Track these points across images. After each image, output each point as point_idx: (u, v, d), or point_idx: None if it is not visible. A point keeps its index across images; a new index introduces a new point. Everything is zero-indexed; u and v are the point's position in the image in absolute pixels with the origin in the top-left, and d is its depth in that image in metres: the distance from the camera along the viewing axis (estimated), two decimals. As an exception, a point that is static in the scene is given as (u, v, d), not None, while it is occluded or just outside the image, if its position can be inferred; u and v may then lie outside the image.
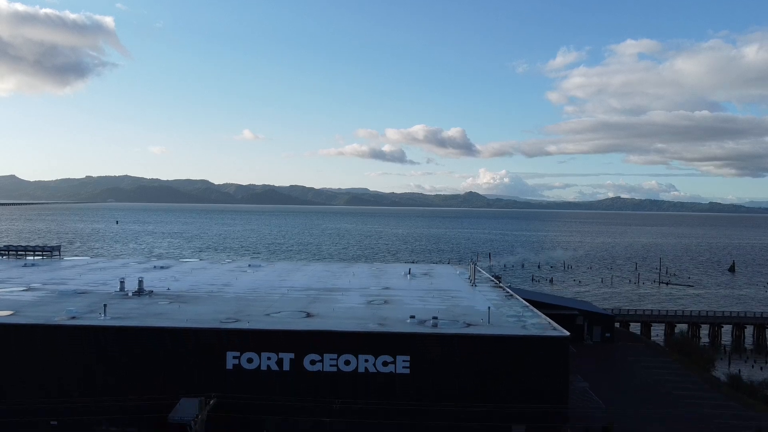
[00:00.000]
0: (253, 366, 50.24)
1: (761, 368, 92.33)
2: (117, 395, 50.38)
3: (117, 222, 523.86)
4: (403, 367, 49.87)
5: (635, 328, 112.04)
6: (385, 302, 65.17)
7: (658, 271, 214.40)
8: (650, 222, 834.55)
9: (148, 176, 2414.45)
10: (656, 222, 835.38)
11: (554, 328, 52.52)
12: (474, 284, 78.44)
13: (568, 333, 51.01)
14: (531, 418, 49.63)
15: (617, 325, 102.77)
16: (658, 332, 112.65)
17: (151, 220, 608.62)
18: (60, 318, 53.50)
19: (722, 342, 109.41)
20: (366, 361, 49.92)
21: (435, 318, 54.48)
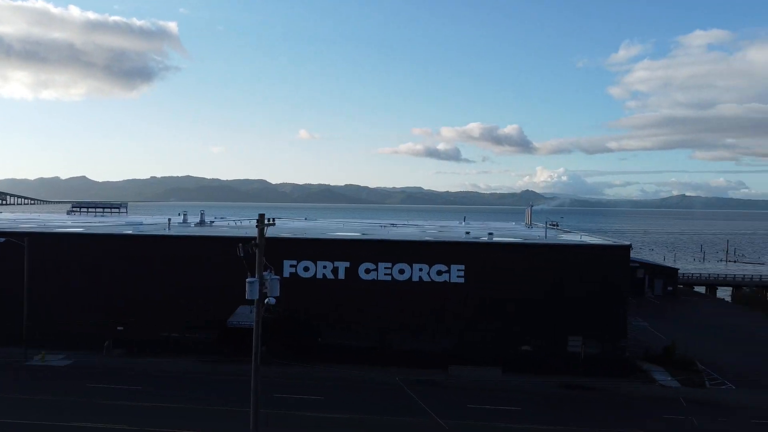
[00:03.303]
0: (309, 274, 51.25)
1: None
2: (179, 303, 52.41)
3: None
4: (458, 276, 49.76)
5: (700, 290, 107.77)
6: (440, 231, 65.25)
7: (725, 251, 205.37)
8: (720, 217, 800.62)
9: (208, 176, 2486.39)
10: (727, 217, 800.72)
11: (614, 241, 51.31)
12: (530, 226, 77.50)
13: (629, 243, 49.71)
14: (588, 330, 48.65)
15: (680, 287, 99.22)
16: (724, 296, 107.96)
17: (214, 214, 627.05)
18: (127, 231, 56.14)
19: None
20: (420, 270, 50.08)
21: (490, 234, 54.21)
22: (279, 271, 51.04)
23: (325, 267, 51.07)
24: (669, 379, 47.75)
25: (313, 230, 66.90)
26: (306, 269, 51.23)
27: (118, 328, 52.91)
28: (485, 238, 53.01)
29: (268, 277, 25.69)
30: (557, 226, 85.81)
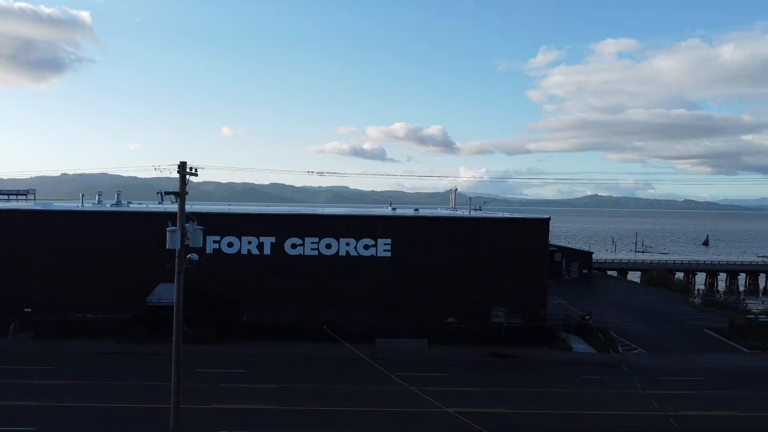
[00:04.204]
0: (233, 250, 50.00)
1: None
2: (94, 282, 49.79)
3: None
4: (385, 250, 49.96)
5: (612, 274, 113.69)
6: (367, 212, 65.37)
7: (635, 243, 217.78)
8: (628, 215, 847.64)
9: (126, 174, 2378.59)
10: (634, 215, 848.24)
11: (534, 216, 53.10)
12: (455, 209, 78.85)
13: (548, 217, 51.57)
14: (511, 301, 50.07)
15: (595, 270, 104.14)
16: (634, 279, 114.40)
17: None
18: (37, 207, 52.80)
19: (696, 287, 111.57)
20: (347, 244, 49.92)
21: (416, 209, 54.82)
22: (201, 247, 49.45)
23: (250, 242, 49.97)
24: (585, 346, 50.00)
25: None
26: (230, 245, 49.94)
27: (25, 309, 49.67)
28: (411, 212, 53.61)
29: (191, 228, 24.73)
30: (480, 210, 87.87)
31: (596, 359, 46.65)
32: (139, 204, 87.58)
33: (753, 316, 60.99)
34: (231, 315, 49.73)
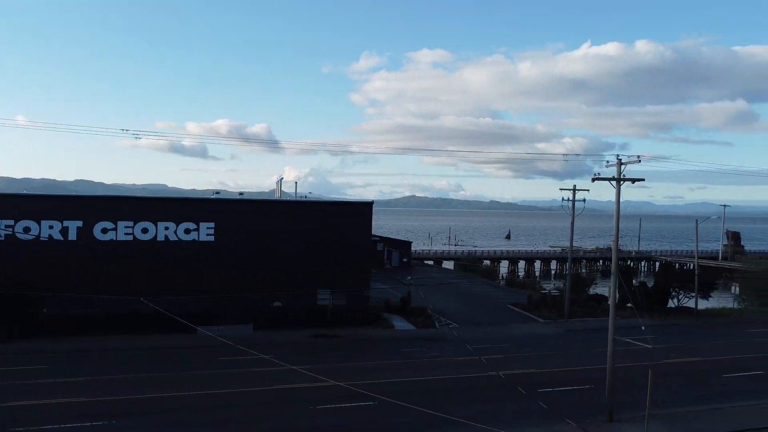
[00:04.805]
0: (30, 236, 44.63)
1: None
2: None
3: None
4: (208, 235, 48.07)
5: (429, 263, 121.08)
6: (188, 195, 62.36)
7: (448, 237, 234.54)
8: (442, 214, 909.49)
9: None
10: (447, 214, 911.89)
11: (358, 199, 54.63)
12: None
13: (372, 200, 53.38)
14: (336, 283, 50.99)
15: (414, 260, 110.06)
16: (448, 266, 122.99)
17: None
18: None
19: (500, 272, 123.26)
20: (166, 228, 47.16)
21: (241, 194, 53.55)
22: (-9, 231, 43.53)
23: (51, 227, 44.97)
24: (406, 323, 52.66)
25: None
26: (27, 230, 44.52)
27: None
28: (236, 197, 52.23)
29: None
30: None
31: (416, 334, 49.39)
32: None
33: (546, 292, 69.45)
34: (30, 309, 44.39)
